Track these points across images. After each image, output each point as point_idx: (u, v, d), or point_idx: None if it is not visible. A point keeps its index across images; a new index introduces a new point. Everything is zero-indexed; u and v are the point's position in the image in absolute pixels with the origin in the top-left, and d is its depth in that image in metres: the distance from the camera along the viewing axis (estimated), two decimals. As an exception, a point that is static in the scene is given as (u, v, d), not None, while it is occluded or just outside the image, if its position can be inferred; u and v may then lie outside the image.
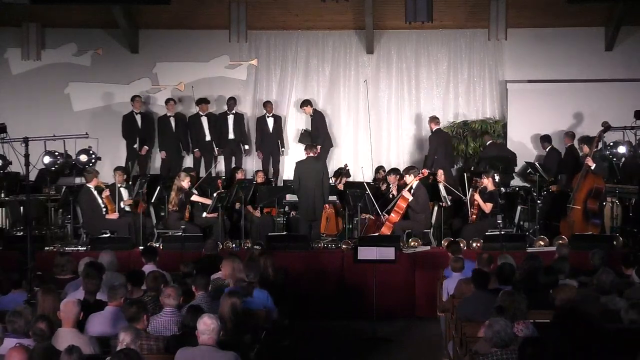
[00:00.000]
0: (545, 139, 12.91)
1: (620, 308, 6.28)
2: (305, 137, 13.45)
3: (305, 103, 13.68)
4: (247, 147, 13.82)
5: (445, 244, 9.93)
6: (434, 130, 13.11)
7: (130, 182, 12.00)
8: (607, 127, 10.89)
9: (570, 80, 13.59)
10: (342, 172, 12.52)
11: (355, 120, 14.17)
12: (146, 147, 13.50)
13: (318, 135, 13.51)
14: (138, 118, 13.47)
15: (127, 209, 11.26)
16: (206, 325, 5.31)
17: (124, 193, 11.46)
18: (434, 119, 13.22)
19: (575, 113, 13.42)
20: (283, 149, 13.77)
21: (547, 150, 12.82)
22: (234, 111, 13.67)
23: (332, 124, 14.22)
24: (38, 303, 6.18)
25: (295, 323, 8.98)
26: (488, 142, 13.18)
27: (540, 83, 13.64)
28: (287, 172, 13.70)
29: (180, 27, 13.97)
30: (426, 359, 8.44)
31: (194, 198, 11.07)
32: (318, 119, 13.71)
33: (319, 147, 12.50)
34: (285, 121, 14.05)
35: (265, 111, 13.69)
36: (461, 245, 9.67)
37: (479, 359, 5.31)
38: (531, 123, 13.37)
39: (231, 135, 13.60)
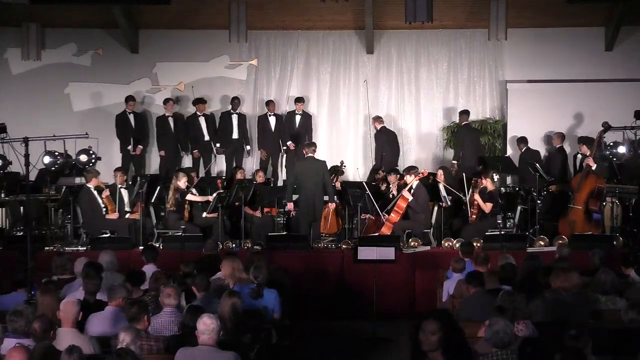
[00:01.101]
0: (521, 141, 12.96)
1: (620, 308, 6.30)
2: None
3: (300, 100, 13.70)
4: (248, 147, 13.82)
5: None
6: (378, 129, 13.29)
7: (129, 183, 11.99)
8: (607, 127, 10.89)
9: (570, 80, 13.59)
10: (338, 169, 12.52)
11: (355, 120, 14.18)
12: (140, 147, 13.49)
13: (305, 135, 13.54)
14: (131, 117, 13.47)
15: (128, 216, 11.24)
16: (206, 325, 5.31)
17: (124, 194, 11.45)
18: (377, 119, 13.40)
19: (575, 113, 13.43)
20: (284, 148, 13.78)
21: (522, 151, 12.84)
22: (238, 111, 13.69)
23: (332, 123, 14.23)
24: (37, 303, 6.19)
25: (295, 323, 8.98)
26: (463, 123, 13.14)
27: (540, 83, 13.64)
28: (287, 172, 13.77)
29: (180, 27, 13.97)
30: (426, 358, 8.42)
31: (189, 197, 11.01)
32: (306, 119, 13.75)
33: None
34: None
35: (267, 110, 13.69)
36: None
37: (479, 359, 5.31)
38: (531, 123, 13.36)
39: (235, 135, 13.61)
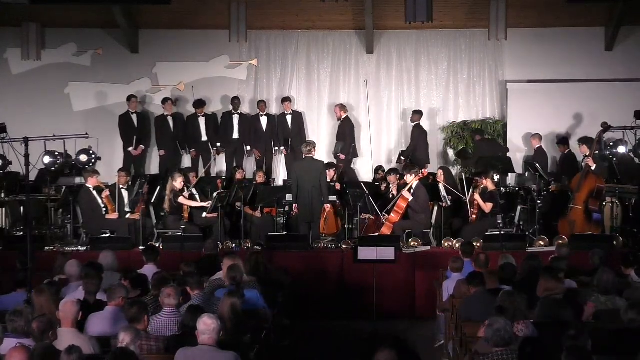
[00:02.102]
0: (476, 132, 13.34)
1: (620, 308, 6.31)
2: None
3: (287, 99, 13.74)
4: (249, 147, 13.81)
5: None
6: (342, 118, 13.50)
7: (130, 184, 11.96)
8: (606, 127, 10.88)
9: (570, 80, 13.60)
10: (335, 165, 12.56)
11: (355, 120, 14.16)
12: (142, 147, 13.50)
13: (298, 135, 13.55)
14: (134, 117, 13.49)
15: (128, 216, 11.22)
16: (206, 326, 5.31)
17: (125, 194, 11.42)
18: (342, 107, 13.59)
19: (575, 113, 13.43)
20: (276, 149, 13.77)
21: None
22: (239, 111, 13.69)
23: (332, 123, 14.23)
24: (33, 303, 6.18)
25: (295, 323, 8.99)
26: (415, 123, 13.45)
27: (540, 83, 13.65)
28: (284, 171, 13.79)
29: (180, 27, 13.97)
30: (426, 359, 8.42)
31: (181, 200, 10.90)
32: (298, 118, 13.77)
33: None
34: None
35: (258, 110, 13.70)
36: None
37: (479, 359, 5.31)
38: (531, 123, 13.37)
39: (235, 135, 13.61)
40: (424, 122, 14.00)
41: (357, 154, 13.75)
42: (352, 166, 13.76)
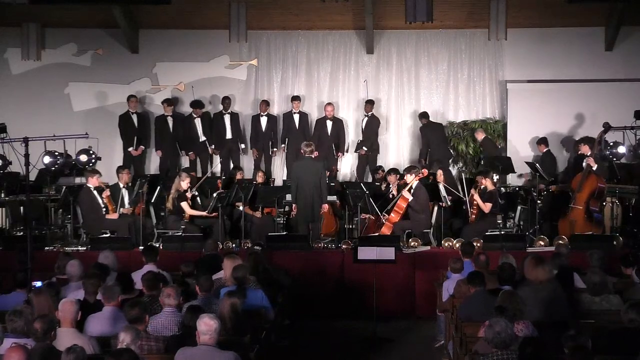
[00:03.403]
0: (422, 116, 13.54)
1: (615, 306, 6.32)
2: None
3: (296, 98, 13.73)
4: (243, 146, 13.81)
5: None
6: (331, 116, 13.59)
7: (129, 184, 11.96)
8: (607, 127, 10.87)
9: (570, 80, 13.60)
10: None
11: (355, 120, 14.17)
12: (142, 147, 13.50)
13: (303, 135, 13.54)
14: (134, 117, 13.50)
15: (121, 210, 11.19)
16: (207, 326, 5.31)
17: (125, 194, 11.42)
18: (328, 106, 13.68)
19: (575, 113, 13.43)
20: (275, 149, 13.78)
21: (423, 124, 13.47)
22: (230, 110, 13.68)
23: (331, 123, 14.21)
24: (31, 304, 6.18)
25: (295, 323, 8.99)
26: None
27: (540, 83, 13.64)
28: (284, 171, 13.78)
29: (180, 27, 13.98)
30: (426, 359, 8.44)
31: (184, 205, 10.83)
32: (304, 119, 13.77)
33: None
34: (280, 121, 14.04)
35: (259, 110, 13.71)
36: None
37: (479, 359, 5.31)
38: (531, 123, 13.37)
39: (228, 135, 13.61)
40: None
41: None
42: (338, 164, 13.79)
